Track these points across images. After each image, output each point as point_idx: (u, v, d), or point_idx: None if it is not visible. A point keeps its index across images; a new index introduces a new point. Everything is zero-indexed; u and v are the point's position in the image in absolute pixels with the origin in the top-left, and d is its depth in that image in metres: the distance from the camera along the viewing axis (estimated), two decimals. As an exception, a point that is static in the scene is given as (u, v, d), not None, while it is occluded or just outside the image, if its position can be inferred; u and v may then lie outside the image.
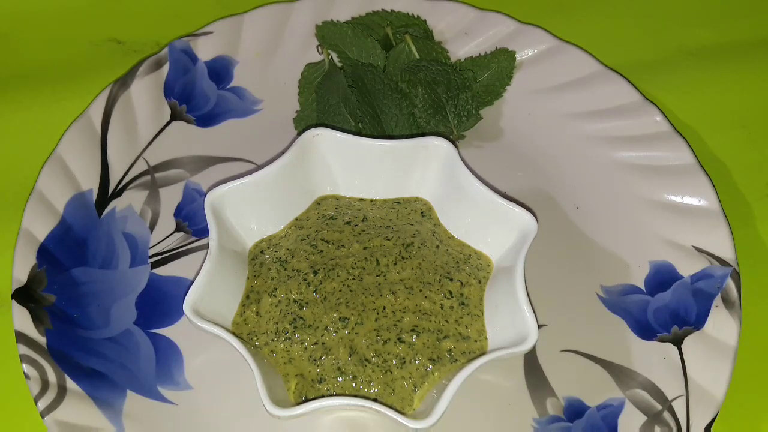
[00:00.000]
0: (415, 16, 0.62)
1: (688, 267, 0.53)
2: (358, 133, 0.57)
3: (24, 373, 0.49)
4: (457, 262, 0.52)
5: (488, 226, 0.52)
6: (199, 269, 0.48)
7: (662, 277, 0.53)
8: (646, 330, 0.52)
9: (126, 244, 0.55)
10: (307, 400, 0.46)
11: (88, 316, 0.52)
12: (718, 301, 0.52)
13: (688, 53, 0.65)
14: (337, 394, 0.47)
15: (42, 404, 0.48)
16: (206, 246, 0.50)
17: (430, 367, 0.48)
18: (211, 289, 0.48)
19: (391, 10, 0.63)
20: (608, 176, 0.58)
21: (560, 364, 0.51)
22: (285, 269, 0.51)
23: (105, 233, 0.55)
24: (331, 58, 0.61)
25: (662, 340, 0.51)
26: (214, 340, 0.47)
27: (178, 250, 0.55)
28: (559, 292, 0.53)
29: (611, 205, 0.57)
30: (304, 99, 0.60)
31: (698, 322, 0.51)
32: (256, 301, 0.51)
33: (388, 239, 0.52)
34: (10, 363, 0.51)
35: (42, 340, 0.50)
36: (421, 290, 0.50)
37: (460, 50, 0.62)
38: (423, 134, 0.57)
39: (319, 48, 0.62)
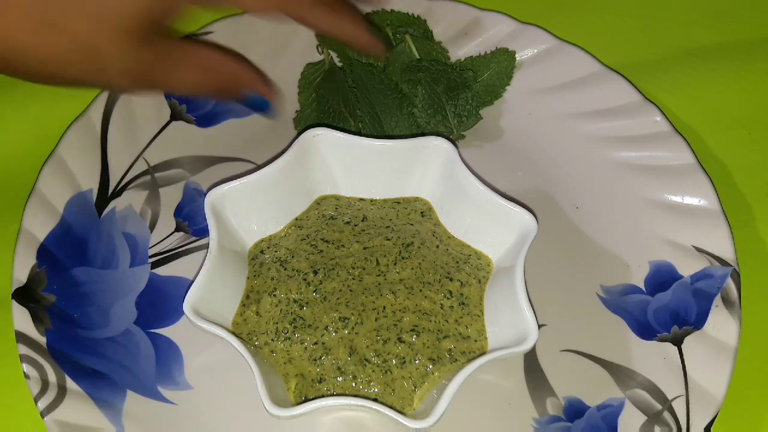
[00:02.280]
0: (415, 16, 0.62)
1: (688, 267, 0.53)
2: (358, 133, 0.57)
3: (24, 373, 0.49)
4: (457, 262, 0.52)
5: (488, 226, 0.52)
6: (199, 269, 0.48)
7: (662, 277, 0.53)
8: (646, 330, 0.52)
9: (126, 244, 0.55)
10: (307, 400, 0.46)
11: (88, 316, 0.52)
12: (718, 301, 0.52)
13: (688, 53, 0.65)
14: (337, 394, 0.48)
15: (42, 404, 0.48)
16: (206, 246, 0.50)
17: (430, 367, 0.48)
18: (211, 289, 0.48)
19: (391, 10, 0.63)
20: (608, 176, 0.58)
21: (560, 364, 0.51)
22: (285, 269, 0.51)
23: (105, 233, 0.55)
24: (331, 58, 0.61)
25: (662, 340, 0.51)
26: (214, 340, 0.47)
27: (178, 250, 0.55)
28: (559, 292, 0.53)
29: (611, 205, 0.57)
30: (304, 99, 0.60)
31: (698, 322, 0.51)
32: (256, 301, 0.51)
33: (388, 239, 0.52)
34: (10, 363, 0.51)
35: (42, 340, 0.50)
36: (421, 290, 0.50)
37: (460, 50, 0.62)
38: (423, 134, 0.57)
39: (319, 48, 0.62)
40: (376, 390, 0.48)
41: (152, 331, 0.52)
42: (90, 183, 0.56)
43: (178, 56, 0.48)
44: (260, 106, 0.51)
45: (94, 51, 0.45)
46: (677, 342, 0.51)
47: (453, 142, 0.53)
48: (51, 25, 0.44)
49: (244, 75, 0.50)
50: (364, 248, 0.52)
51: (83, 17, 0.44)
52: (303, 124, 0.59)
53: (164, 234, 0.56)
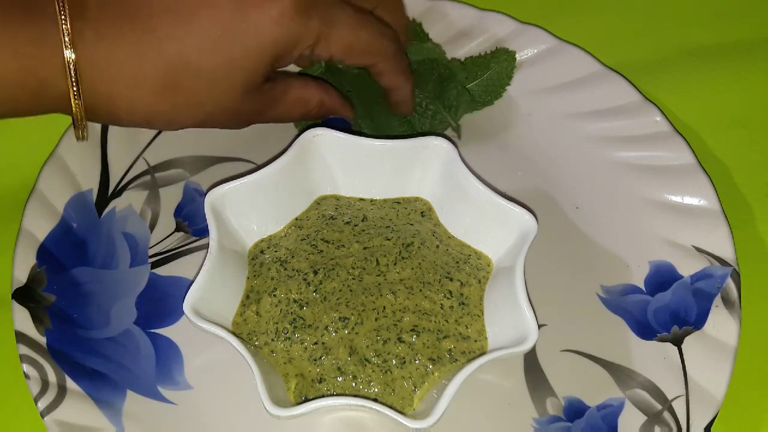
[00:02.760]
0: (410, 19, 0.62)
1: (688, 267, 0.53)
2: (358, 133, 0.57)
3: (24, 373, 0.49)
4: (457, 262, 0.52)
5: (488, 226, 0.52)
6: (199, 269, 0.48)
7: (662, 277, 0.53)
8: (646, 330, 0.52)
9: (126, 244, 0.55)
10: (307, 400, 0.46)
11: (88, 316, 0.52)
12: (718, 301, 0.52)
13: (688, 53, 0.65)
14: (337, 394, 0.47)
15: (42, 404, 0.48)
16: (206, 246, 0.50)
17: (430, 367, 0.48)
18: (211, 289, 0.48)
19: None
20: (608, 176, 0.58)
21: (560, 364, 0.51)
22: (285, 269, 0.51)
23: (105, 233, 0.55)
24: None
25: (662, 340, 0.51)
26: (214, 340, 0.47)
27: (178, 250, 0.55)
28: (559, 292, 0.53)
29: (611, 205, 0.57)
30: None
31: (698, 322, 0.51)
32: (256, 301, 0.51)
33: (388, 239, 0.52)
34: (10, 363, 0.51)
35: (42, 340, 0.50)
36: (421, 290, 0.50)
37: (460, 50, 0.62)
38: (423, 134, 0.57)
39: None
40: (376, 390, 0.48)
41: (152, 331, 0.52)
42: (90, 183, 0.56)
43: (278, 95, 0.52)
44: (339, 123, 0.56)
45: (208, 103, 0.48)
46: (677, 342, 0.51)
47: (453, 142, 0.53)
48: (171, 88, 0.46)
49: (330, 102, 0.55)
50: (364, 248, 0.52)
51: (204, 77, 0.47)
52: (302, 125, 0.59)
53: (164, 234, 0.56)
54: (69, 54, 0.44)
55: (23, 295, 0.51)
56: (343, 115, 0.57)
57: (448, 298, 0.50)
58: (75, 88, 0.44)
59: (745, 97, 0.63)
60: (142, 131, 0.59)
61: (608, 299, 0.53)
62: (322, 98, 0.54)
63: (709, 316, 0.51)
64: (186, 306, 0.47)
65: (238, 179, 0.52)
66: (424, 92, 0.58)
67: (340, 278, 0.51)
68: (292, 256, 0.52)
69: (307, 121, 0.58)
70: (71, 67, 0.44)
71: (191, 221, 0.56)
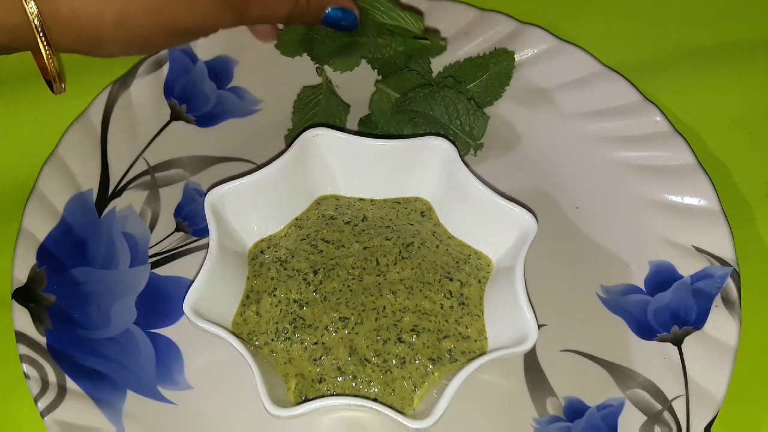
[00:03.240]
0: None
1: (688, 267, 0.53)
2: (359, 133, 0.57)
3: (24, 373, 0.49)
4: (457, 262, 0.52)
5: (488, 226, 0.52)
6: (199, 269, 0.48)
7: (662, 277, 0.53)
8: (646, 330, 0.52)
9: (126, 244, 0.55)
10: (307, 400, 0.46)
11: (88, 316, 0.52)
12: (718, 301, 0.52)
13: (688, 53, 0.65)
14: (337, 394, 0.48)
15: (42, 404, 0.48)
16: (206, 246, 0.50)
17: (430, 367, 0.48)
18: (211, 289, 0.48)
19: None
20: (608, 176, 0.58)
21: (560, 364, 0.51)
22: (285, 269, 0.51)
23: (105, 233, 0.55)
24: (329, 82, 0.60)
25: (662, 340, 0.51)
26: (214, 340, 0.47)
27: (178, 250, 0.55)
28: (559, 292, 0.53)
29: (611, 205, 0.57)
30: (297, 119, 0.60)
31: (698, 322, 0.51)
32: (256, 301, 0.51)
33: (388, 239, 0.52)
34: (10, 363, 0.51)
35: (42, 340, 0.50)
36: (421, 290, 0.50)
37: (460, 50, 0.62)
38: (422, 134, 0.57)
39: (318, 70, 0.61)
40: (376, 390, 0.48)
41: (152, 331, 0.52)
42: (90, 183, 0.56)
43: None
44: (344, 19, 0.53)
45: None
46: (677, 342, 0.51)
47: (452, 142, 0.53)
48: None
49: None
50: (364, 248, 0.52)
51: None
52: (291, 135, 0.59)
53: (164, 234, 0.56)
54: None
55: (23, 295, 0.51)
56: (343, 5, 0.53)
57: (448, 298, 0.50)
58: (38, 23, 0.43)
59: (745, 97, 0.63)
60: (141, 130, 0.59)
61: (608, 299, 0.53)
62: None
63: (709, 316, 0.51)
64: (186, 306, 0.47)
65: (238, 179, 0.52)
66: (432, 119, 0.57)
67: (340, 278, 0.51)
68: (292, 256, 0.52)
69: (339, 24, 0.55)
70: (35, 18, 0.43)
71: (191, 221, 0.56)
